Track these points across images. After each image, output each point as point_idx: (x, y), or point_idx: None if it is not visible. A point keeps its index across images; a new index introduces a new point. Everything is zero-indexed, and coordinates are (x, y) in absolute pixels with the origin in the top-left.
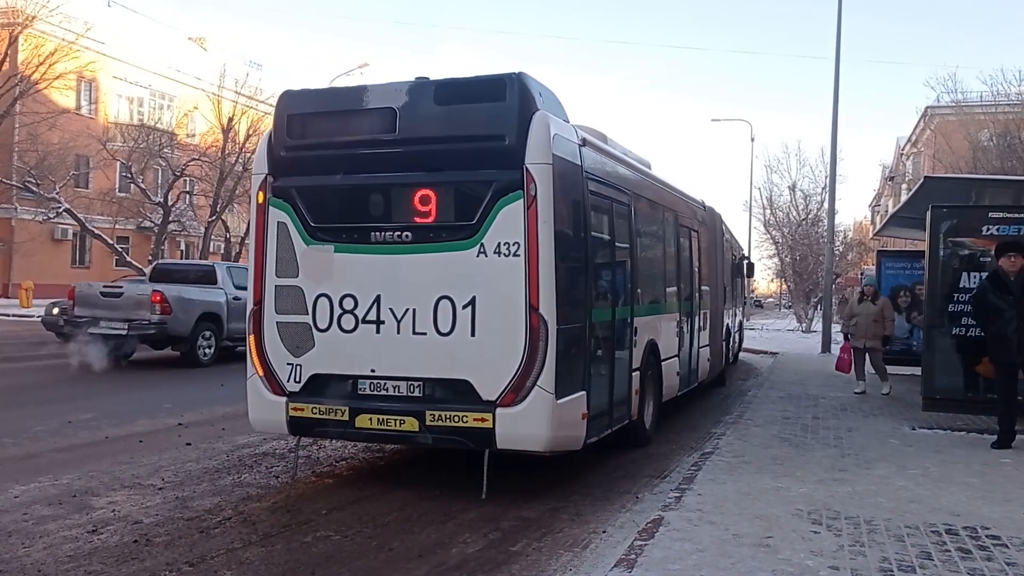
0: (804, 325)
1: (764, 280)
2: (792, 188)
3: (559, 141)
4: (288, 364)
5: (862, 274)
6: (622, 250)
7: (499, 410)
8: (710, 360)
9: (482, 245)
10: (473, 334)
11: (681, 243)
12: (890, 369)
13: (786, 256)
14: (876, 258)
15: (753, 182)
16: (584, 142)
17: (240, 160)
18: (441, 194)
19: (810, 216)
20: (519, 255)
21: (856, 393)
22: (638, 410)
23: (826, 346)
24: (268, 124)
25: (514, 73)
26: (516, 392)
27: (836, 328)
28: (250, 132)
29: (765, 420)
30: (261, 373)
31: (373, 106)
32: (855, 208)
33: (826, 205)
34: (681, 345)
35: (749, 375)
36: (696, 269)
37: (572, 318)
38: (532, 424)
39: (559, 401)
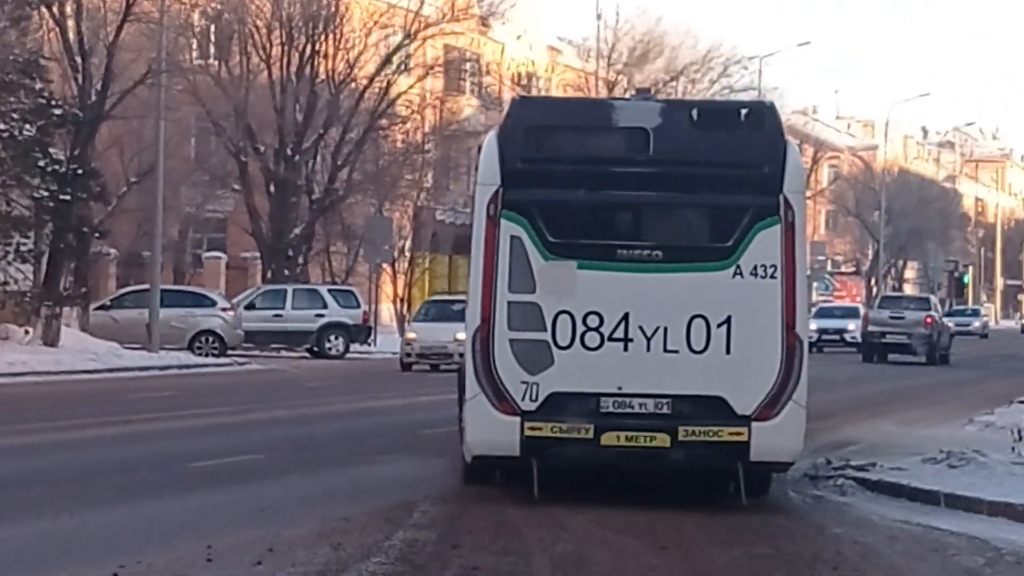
0: None
1: None
2: None
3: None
4: (523, 383)
5: None
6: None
7: (755, 424)
8: None
9: (738, 266)
10: (728, 351)
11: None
12: None
13: None
14: None
15: None
16: None
17: None
18: (694, 215)
19: None
20: (776, 277)
21: None
22: None
23: None
24: None
25: (768, 102)
26: (773, 407)
27: None
28: None
29: None
30: (490, 392)
31: (624, 124)
32: None
33: None
34: None
35: None
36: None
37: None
38: (787, 437)
39: (804, 415)
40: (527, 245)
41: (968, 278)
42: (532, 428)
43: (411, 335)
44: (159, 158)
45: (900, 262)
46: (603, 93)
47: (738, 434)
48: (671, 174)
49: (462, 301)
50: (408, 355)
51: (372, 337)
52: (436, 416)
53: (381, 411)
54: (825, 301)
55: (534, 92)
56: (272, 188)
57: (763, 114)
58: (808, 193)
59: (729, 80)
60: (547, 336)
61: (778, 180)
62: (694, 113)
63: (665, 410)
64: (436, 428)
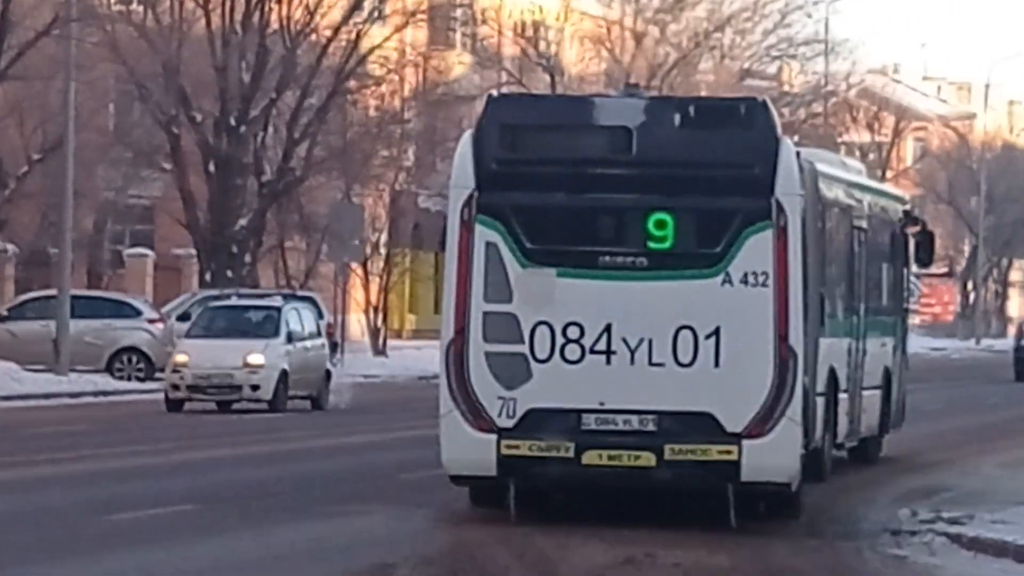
0: None
1: None
2: None
3: (800, 170)
4: (499, 398)
5: None
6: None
7: (746, 442)
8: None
9: (727, 274)
10: (717, 365)
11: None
12: None
13: None
14: None
15: None
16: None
17: None
18: (680, 220)
19: None
20: (767, 285)
21: None
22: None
23: None
24: None
25: (761, 99)
26: (765, 423)
27: None
28: None
29: None
30: (464, 408)
31: (605, 123)
32: None
33: None
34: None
35: None
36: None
37: (807, 350)
38: (781, 455)
39: (801, 434)
40: (503, 252)
41: None
42: (509, 447)
43: (180, 357)
44: (69, 129)
45: (1004, 261)
46: (629, 46)
47: (728, 452)
48: (655, 176)
49: (260, 307)
50: (176, 387)
51: (339, 356)
52: (420, 456)
53: (350, 449)
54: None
55: (543, 46)
56: (212, 167)
57: (754, 112)
58: (889, 174)
59: (788, 31)
60: (525, 348)
61: (769, 182)
62: (680, 111)
63: (650, 427)
64: (420, 471)
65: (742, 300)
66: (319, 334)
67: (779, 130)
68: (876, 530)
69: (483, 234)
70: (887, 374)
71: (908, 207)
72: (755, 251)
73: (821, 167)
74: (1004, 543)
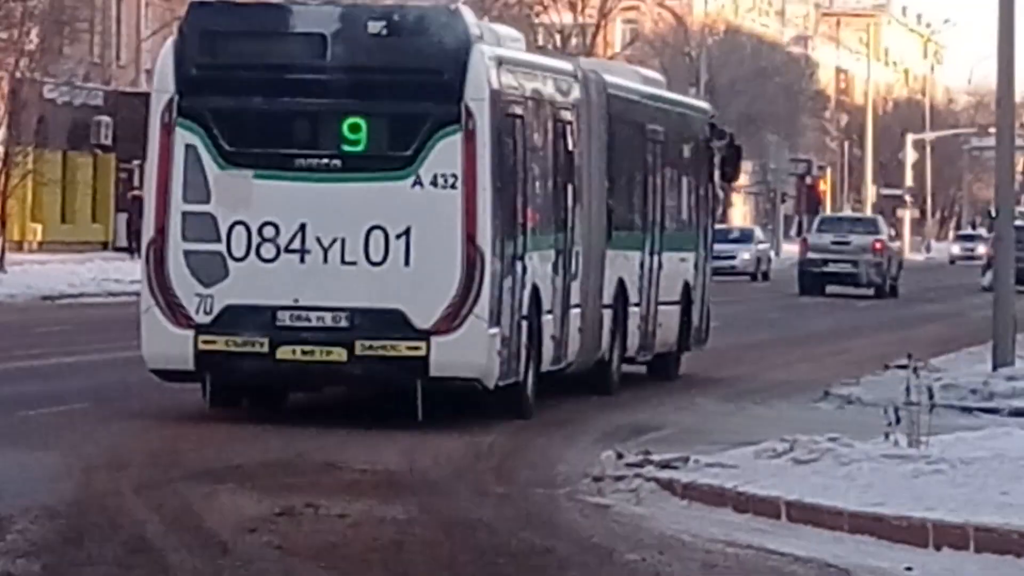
0: None
1: None
2: None
3: (497, 74)
4: (197, 295)
5: None
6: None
7: (434, 338)
8: (582, 331)
9: (418, 176)
10: (407, 264)
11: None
12: None
13: None
14: None
15: None
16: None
17: None
18: (374, 124)
19: None
20: (456, 187)
21: None
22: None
23: None
24: None
25: (453, 6)
26: (452, 320)
27: None
28: None
29: None
30: (163, 305)
31: (301, 30)
32: None
33: None
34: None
35: None
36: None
37: (503, 252)
38: (467, 352)
39: (491, 331)
40: (202, 154)
41: (826, 185)
42: (206, 341)
43: None
44: None
45: None
46: None
47: (416, 348)
48: (349, 81)
49: None
50: None
51: None
52: (47, 390)
53: None
54: None
55: None
56: None
57: (446, 19)
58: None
59: None
60: (222, 247)
61: (458, 87)
62: (374, 18)
63: (343, 324)
64: (44, 407)
65: (432, 202)
66: None
67: (473, 36)
68: (574, 476)
69: (183, 137)
70: (687, 289)
71: (713, 121)
72: (445, 154)
73: (609, 79)
74: (724, 490)
